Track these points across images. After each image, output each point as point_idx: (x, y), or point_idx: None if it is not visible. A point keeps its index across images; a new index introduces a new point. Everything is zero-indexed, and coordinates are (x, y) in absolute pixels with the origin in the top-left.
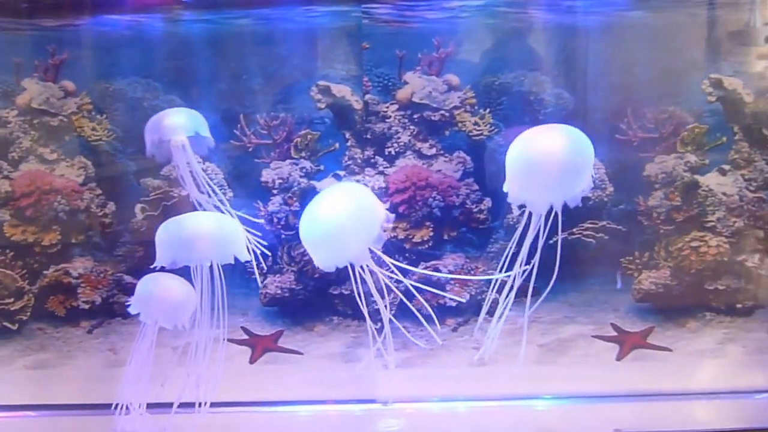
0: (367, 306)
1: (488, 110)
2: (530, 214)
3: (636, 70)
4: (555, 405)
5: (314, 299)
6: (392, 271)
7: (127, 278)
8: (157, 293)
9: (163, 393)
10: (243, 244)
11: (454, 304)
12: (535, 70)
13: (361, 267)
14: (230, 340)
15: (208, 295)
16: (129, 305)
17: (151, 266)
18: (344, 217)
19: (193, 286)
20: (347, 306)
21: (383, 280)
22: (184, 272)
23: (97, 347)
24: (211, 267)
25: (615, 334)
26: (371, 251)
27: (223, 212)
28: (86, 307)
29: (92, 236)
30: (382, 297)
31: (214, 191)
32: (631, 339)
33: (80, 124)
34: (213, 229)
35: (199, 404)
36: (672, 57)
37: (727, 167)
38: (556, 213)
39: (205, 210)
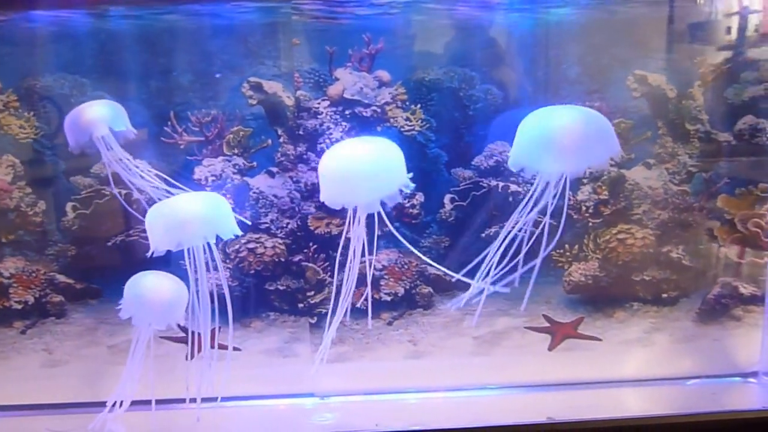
0: (302, 302)
1: (419, 106)
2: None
3: (563, 67)
4: (490, 395)
5: (251, 295)
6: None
7: (60, 277)
8: (146, 296)
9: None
10: (233, 220)
11: (389, 298)
12: (464, 66)
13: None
14: (166, 338)
15: (204, 276)
16: (120, 309)
17: (147, 254)
18: (368, 161)
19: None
20: (284, 302)
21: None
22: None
23: (31, 347)
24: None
25: (547, 325)
26: (381, 204)
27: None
28: (19, 307)
29: (23, 235)
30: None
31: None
32: (562, 330)
33: (7, 122)
34: (205, 209)
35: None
36: (598, 53)
37: (652, 161)
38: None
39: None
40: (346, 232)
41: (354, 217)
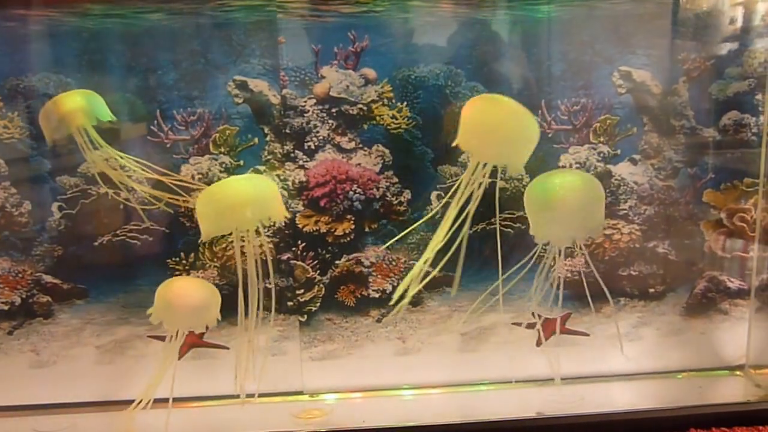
0: (291, 300)
1: (405, 104)
2: None
3: (548, 63)
4: (478, 391)
5: (238, 294)
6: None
7: (47, 278)
8: (175, 301)
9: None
10: (281, 202)
11: (377, 295)
12: (450, 64)
13: None
14: (154, 337)
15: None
16: (150, 315)
17: (199, 240)
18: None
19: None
20: (272, 300)
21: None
22: None
23: (18, 348)
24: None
25: (534, 321)
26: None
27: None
28: (5, 308)
29: (8, 236)
30: None
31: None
32: (550, 325)
33: None
34: (256, 191)
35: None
36: (582, 50)
37: (637, 157)
38: None
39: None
40: None
41: None
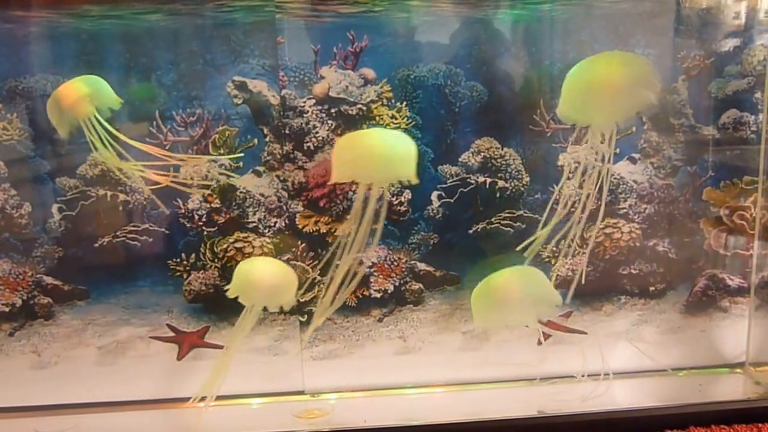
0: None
1: (404, 103)
2: None
3: (548, 63)
4: (479, 389)
5: None
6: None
7: (48, 279)
8: (254, 278)
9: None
10: (414, 165)
11: (378, 295)
12: (449, 63)
13: None
14: (156, 338)
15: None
16: (227, 290)
17: (328, 182)
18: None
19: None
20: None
21: None
22: None
23: (19, 350)
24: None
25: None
26: None
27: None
28: (6, 309)
29: (8, 238)
30: None
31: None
32: (549, 324)
33: None
34: (392, 148)
35: None
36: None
37: (637, 156)
38: None
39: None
40: None
41: None
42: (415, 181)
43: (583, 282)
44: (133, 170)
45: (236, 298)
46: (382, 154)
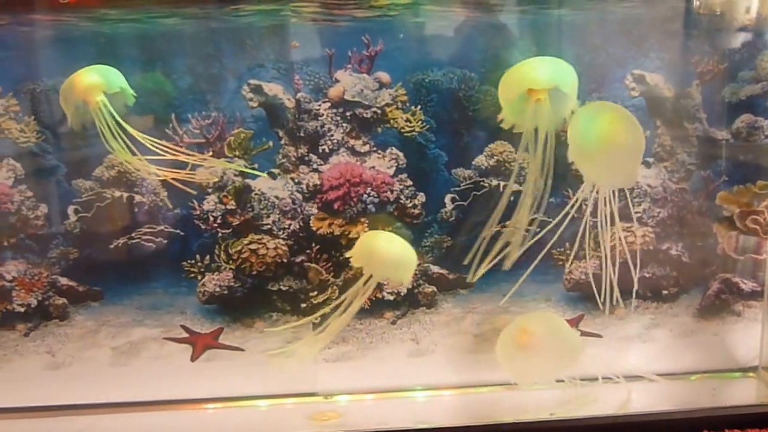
0: (305, 302)
1: (419, 107)
2: None
3: None
4: (491, 392)
5: (253, 296)
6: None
7: (62, 280)
8: (378, 248)
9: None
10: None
11: (392, 297)
12: (463, 68)
13: None
14: (170, 339)
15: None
16: (349, 258)
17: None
18: None
19: None
20: (286, 302)
21: None
22: None
23: (34, 350)
24: None
25: None
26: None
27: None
28: (21, 310)
29: (24, 239)
30: None
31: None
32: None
33: (7, 126)
34: (553, 74)
35: None
36: (595, 53)
37: (650, 160)
38: None
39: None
40: None
41: None
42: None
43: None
44: (140, 164)
45: (250, 298)
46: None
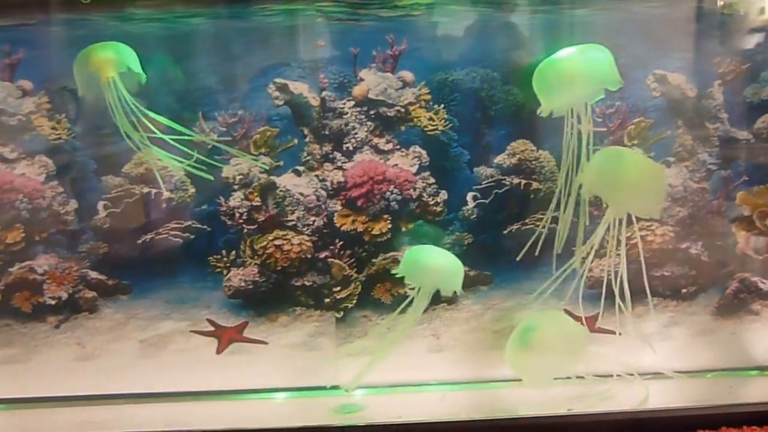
0: (328, 297)
1: (442, 106)
2: None
3: None
4: (510, 387)
5: (277, 291)
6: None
7: (92, 274)
8: (425, 260)
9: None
10: (614, 70)
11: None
12: (486, 67)
13: None
14: (196, 332)
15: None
16: (395, 273)
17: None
18: None
19: None
20: (310, 297)
21: None
22: None
23: (64, 342)
24: None
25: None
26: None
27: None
28: (52, 302)
29: (55, 234)
30: None
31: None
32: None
33: (39, 123)
34: (589, 62)
35: None
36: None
37: (671, 160)
38: None
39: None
40: None
41: None
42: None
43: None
44: (146, 143)
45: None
46: None
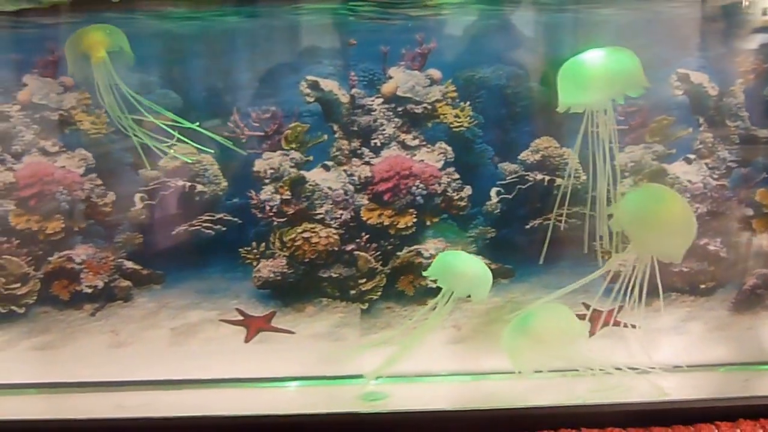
0: (353, 289)
1: (468, 103)
2: None
3: None
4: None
5: (304, 282)
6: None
7: (128, 264)
8: (457, 265)
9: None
10: (641, 75)
11: (435, 285)
12: (512, 65)
13: None
14: (225, 321)
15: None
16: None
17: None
18: None
19: None
20: (336, 288)
21: None
22: None
23: (99, 329)
24: None
25: (586, 312)
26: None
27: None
28: (89, 291)
29: (93, 225)
30: None
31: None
32: (599, 317)
33: (80, 118)
34: (611, 64)
35: None
36: (641, 52)
37: (692, 157)
38: None
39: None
40: None
41: None
42: None
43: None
44: (130, 123)
45: (301, 284)
46: None
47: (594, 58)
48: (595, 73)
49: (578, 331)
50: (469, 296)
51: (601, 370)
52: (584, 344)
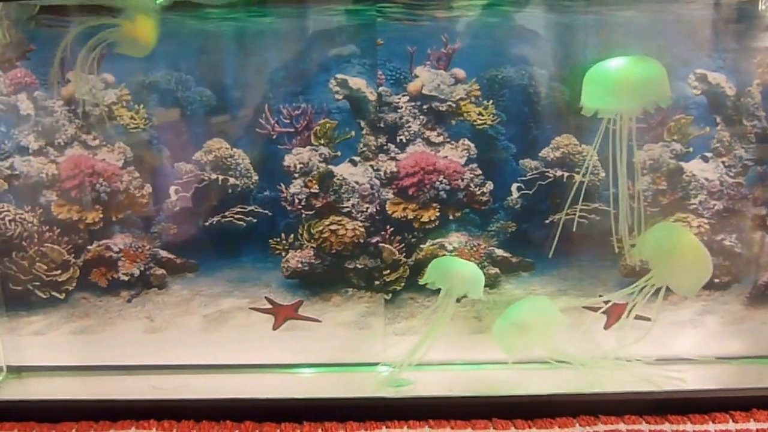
0: (378, 279)
1: (491, 101)
2: None
3: None
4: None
5: (331, 273)
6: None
7: (163, 253)
8: (451, 267)
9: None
10: (667, 86)
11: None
12: (534, 65)
13: None
14: (255, 309)
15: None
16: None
17: (582, 112)
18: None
19: None
20: (361, 279)
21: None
22: None
23: (135, 315)
24: None
25: (602, 305)
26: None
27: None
28: (126, 278)
29: (131, 215)
30: None
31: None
32: (617, 309)
33: (120, 113)
34: (639, 74)
35: None
36: (660, 53)
37: (709, 155)
38: None
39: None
40: None
41: None
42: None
43: None
44: (100, 102)
45: (329, 274)
46: None
47: (622, 66)
48: (623, 81)
49: (558, 322)
50: (465, 295)
51: (582, 364)
52: (564, 336)
